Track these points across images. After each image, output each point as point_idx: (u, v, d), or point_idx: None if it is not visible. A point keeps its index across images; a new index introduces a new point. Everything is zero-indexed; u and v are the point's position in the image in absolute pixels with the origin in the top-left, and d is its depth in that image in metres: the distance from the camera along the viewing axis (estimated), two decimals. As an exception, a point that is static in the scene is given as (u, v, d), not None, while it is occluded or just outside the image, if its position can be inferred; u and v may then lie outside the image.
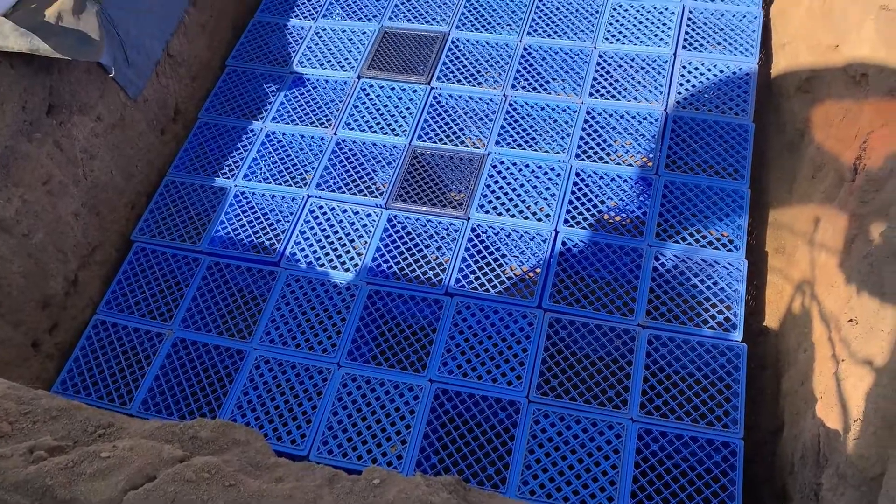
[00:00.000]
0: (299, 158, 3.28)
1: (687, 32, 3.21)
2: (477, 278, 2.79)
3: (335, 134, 3.20)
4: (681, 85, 3.08)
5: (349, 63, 3.41)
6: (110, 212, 2.94)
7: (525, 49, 3.31)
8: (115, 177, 2.95)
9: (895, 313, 1.83)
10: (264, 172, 3.21)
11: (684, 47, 3.16)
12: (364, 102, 3.30)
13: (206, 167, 3.21)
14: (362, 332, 2.74)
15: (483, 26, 3.44)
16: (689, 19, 3.25)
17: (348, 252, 2.91)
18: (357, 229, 2.96)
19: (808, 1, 2.99)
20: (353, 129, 3.21)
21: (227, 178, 3.15)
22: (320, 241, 2.94)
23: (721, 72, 3.08)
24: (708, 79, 3.08)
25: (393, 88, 3.29)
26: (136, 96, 3.01)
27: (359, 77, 3.36)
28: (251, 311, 2.98)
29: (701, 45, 3.18)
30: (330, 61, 3.43)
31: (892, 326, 1.82)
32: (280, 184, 3.16)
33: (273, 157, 3.27)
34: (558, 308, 2.64)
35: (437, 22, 3.48)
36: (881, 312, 1.89)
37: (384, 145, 3.15)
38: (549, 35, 3.34)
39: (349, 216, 2.97)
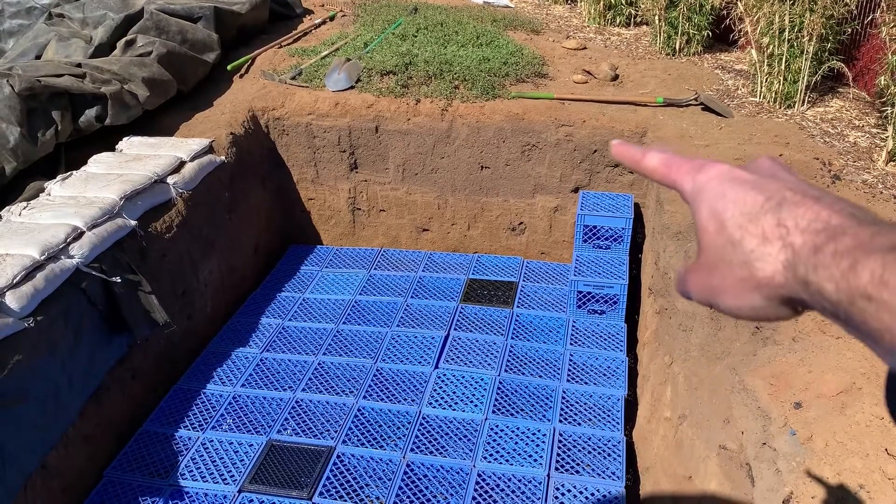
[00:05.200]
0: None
1: (559, 454, 3.42)
2: None
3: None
4: (555, 507, 3.17)
5: (231, 476, 3.40)
6: None
7: (408, 465, 3.41)
8: None
9: None
10: None
11: (557, 469, 3.34)
12: (241, 518, 3.21)
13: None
14: None
15: (368, 441, 3.57)
16: (560, 442, 3.49)
17: None
18: None
19: (663, 430, 3.30)
20: (225, 548, 3.07)
21: None
22: None
23: (592, 494, 3.22)
24: (581, 501, 3.19)
25: (273, 503, 3.25)
26: (-7, 512, 2.85)
27: (239, 491, 3.32)
28: None
29: (573, 467, 3.37)
30: (212, 473, 3.41)
31: None
32: None
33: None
34: None
35: (324, 436, 3.60)
36: None
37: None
38: (430, 452, 3.48)
39: None
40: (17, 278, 2.97)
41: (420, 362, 4.07)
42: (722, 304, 0.58)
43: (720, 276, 0.57)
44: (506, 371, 3.96)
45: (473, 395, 3.80)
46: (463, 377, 3.92)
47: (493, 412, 3.68)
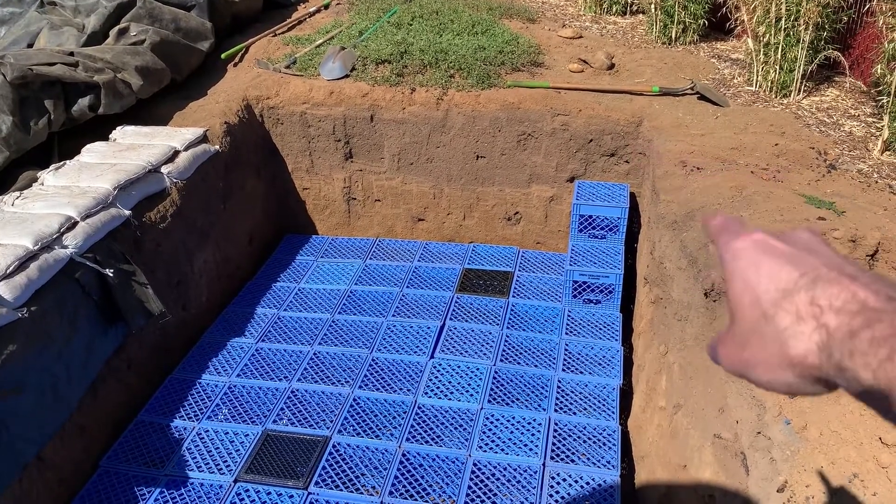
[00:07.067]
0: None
1: (554, 444, 3.42)
2: None
3: (201, 544, 3.04)
4: (551, 497, 3.18)
5: (227, 466, 3.40)
6: None
7: (404, 455, 3.42)
8: None
9: None
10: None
11: (552, 458, 3.35)
12: (237, 508, 3.22)
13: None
14: None
15: (364, 431, 3.57)
16: (555, 431, 3.50)
17: None
18: None
19: (658, 419, 3.31)
20: (221, 537, 3.07)
21: None
22: None
23: (587, 483, 3.23)
24: (577, 490, 3.21)
25: (269, 493, 3.25)
26: (-12, 503, 2.85)
27: (235, 480, 3.32)
28: None
29: (568, 456, 3.38)
30: (208, 463, 3.41)
31: None
32: None
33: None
34: None
35: (320, 426, 3.60)
36: None
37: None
38: (426, 441, 3.49)
39: None
40: (11, 268, 2.95)
41: (416, 352, 4.07)
42: (754, 377, 0.57)
43: (752, 350, 0.56)
44: (501, 360, 3.97)
45: (469, 384, 3.81)
46: (458, 367, 3.93)
47: (489, 402, 3.68)
